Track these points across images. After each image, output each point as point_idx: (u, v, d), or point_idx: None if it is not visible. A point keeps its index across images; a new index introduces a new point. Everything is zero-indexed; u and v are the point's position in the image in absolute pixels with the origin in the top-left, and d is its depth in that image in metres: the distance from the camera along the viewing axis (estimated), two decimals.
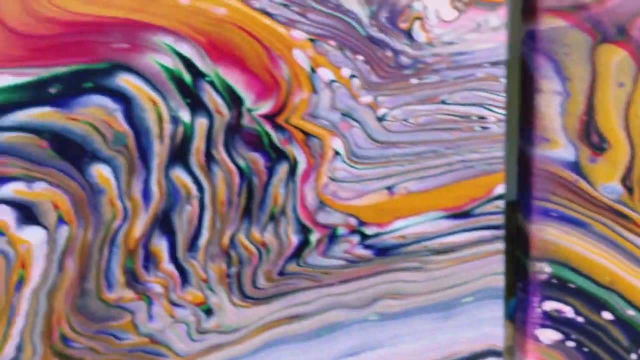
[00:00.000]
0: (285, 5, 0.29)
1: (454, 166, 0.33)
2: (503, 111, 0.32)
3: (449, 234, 0.34)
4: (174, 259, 0.34)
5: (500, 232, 0.35)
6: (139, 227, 0.33)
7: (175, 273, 0.34)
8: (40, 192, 0.32)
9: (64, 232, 0.33)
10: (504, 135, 0.32)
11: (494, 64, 0.31)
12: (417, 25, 0.30)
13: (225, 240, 0.34)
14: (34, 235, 0.33)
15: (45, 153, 0.31)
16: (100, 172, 0.32)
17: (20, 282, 0.33)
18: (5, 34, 0.29)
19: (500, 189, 0.34)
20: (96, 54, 0.30)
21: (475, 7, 0.30)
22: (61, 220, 0.33)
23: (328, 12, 0.30)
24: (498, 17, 0.30)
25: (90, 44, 0.29)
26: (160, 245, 0.34)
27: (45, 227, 0.33)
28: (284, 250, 0.34)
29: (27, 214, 0.32)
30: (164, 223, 0.33)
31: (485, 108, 0.32)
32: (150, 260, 0.33)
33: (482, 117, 0.32)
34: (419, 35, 0.30)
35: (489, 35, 0.30)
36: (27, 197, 0.32)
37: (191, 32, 0.29)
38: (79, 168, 0.32)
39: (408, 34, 0.30)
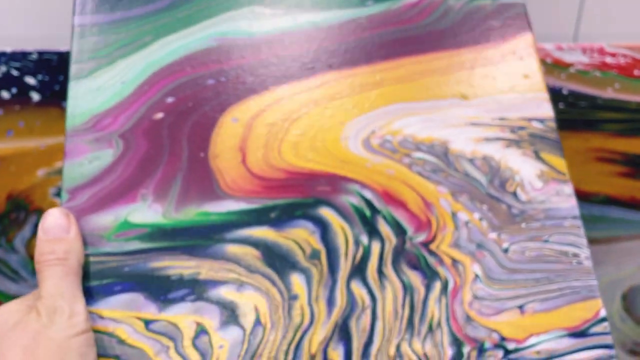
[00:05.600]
0: (434, 171, 0.44)
1: (564, 291, 0.42)
2: (588, 250, 0.43)
3: (574, 351, 0.40)
4: None
5: (612, 352, 0.41)
6: (322, 332, 0.38)
7: None
8: (246, 294, 0.38)
9: (258, 333, 0.38)
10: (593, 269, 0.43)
11: (574, 217, 0.44)
12: (519, 189, 0.44)
13: (392, 350, 0.39)
14: (232, 335, 0.38)
15: (258, 262, 0.39)
16: (297, 280, 0.39)
17: None
18: (249, 176, 0.41)
19: (603, 312, 0.42)
20: (307, 192, 0.42)
21: (553, 181, 0.45)
22: (258, 322, 0.38)
23: (460, 177, 0.44)
24: (570, 187, 0.45)
25: (304, 186, 0.42)
26: (338, 350, 0.38)
27: (243, 328, 0.38)
28: None
29: (230, 315, 0.38)
30: (342, 330, 0.39)
31: (576, 247, 0.43)
32: None
33: (575, 254, 0.43)
34: (521, 195, 0.44)
35: (566, 198, 0.44)
36: (235, 299, 0.38)
37: (372, 183, 0.43)
38: (281, 277, 0.39)
39: (514, 194, 0.44)
